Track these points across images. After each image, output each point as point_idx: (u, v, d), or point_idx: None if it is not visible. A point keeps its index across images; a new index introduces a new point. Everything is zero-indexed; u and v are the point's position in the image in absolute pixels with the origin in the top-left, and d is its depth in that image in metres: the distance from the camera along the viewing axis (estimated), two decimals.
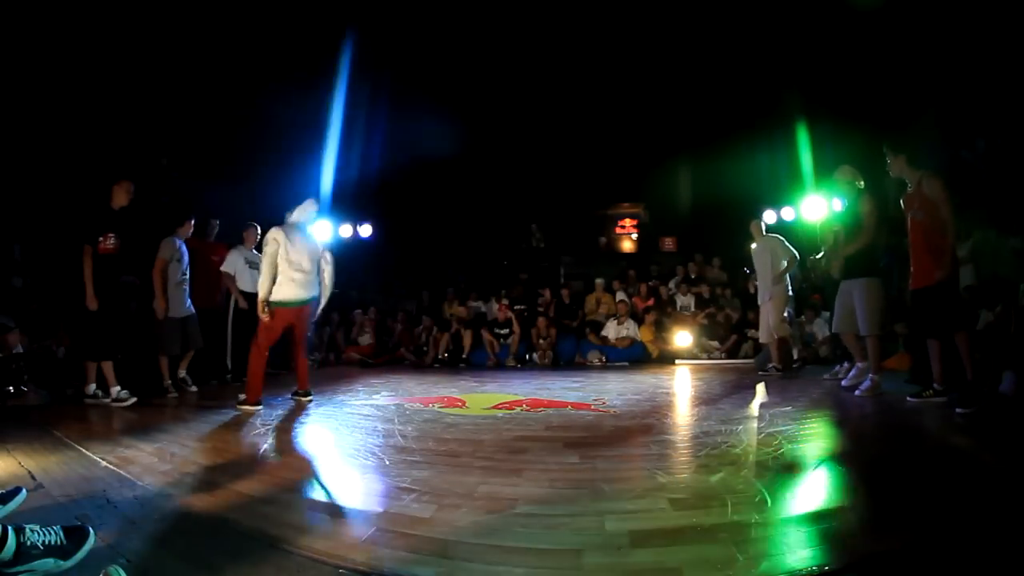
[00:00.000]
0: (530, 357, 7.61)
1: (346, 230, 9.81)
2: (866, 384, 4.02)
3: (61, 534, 1.42)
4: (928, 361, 3.67)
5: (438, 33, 8.56)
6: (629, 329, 7.55)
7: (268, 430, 3.22)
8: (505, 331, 7.74)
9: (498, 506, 1.77)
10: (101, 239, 4.10)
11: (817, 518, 1.63)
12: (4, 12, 5.79)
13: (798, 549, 1.44)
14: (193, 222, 5.24)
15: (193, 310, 5.08)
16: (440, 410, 3.75)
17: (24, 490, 1.82)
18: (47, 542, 1.39)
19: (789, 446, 2.47)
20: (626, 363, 7.23)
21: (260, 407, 3.85)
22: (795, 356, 5.56)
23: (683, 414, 3.64)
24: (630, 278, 8.73)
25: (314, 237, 4.30)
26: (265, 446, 2.86)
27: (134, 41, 6.82)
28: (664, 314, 7.83)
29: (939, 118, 6.41)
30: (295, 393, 4.20)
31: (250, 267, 5.69)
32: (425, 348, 8.00)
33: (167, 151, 7.98)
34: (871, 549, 1.39)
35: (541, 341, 7.60)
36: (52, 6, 6.18)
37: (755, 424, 3.04)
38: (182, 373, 5.05)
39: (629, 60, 8.97)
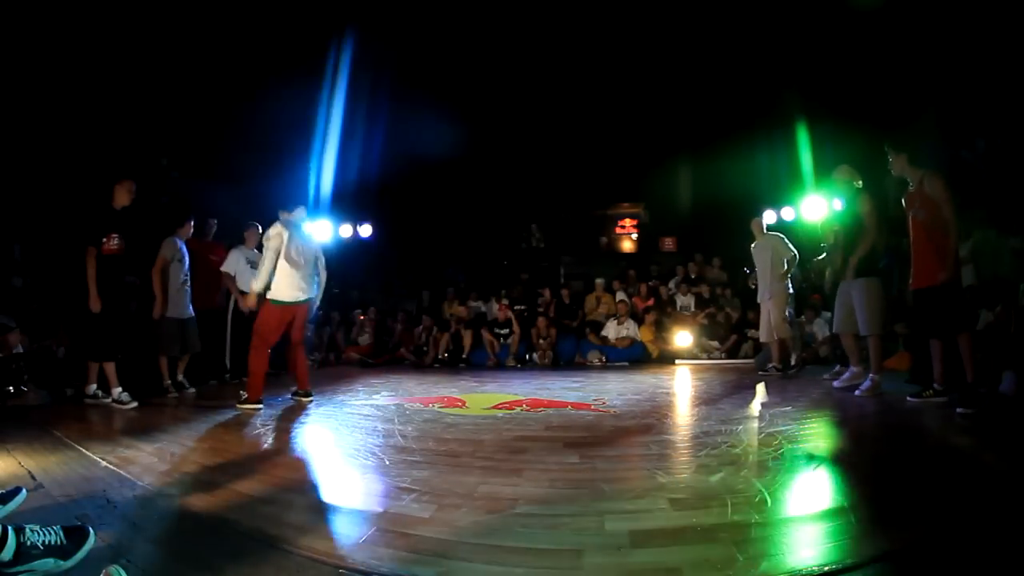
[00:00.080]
0: (530, 357, 7.61)
1: (346, 230, 9.81)
2: (866, 384, 4.02)
3: (61, 534, 1.42)
4: (928, 361, 3.67)
5: (438, 33, 8.57)
6: (629, 329, 7.55)
7: (268, 430, 3.22)
8: (505, 331, 7.74)
9: (498, 506, 1.77)
10: (104, 240, 4.10)
11: (817, 518, 1.64)
12: (4, 12, 5.79)
13: (798, 549, 1.44)
14: (193, 223, 5.24)
15: (193, 313, 5.09)
16: (440, 410, 3.75)
17: (24, 490, 1.82)
18: (47, 542, 1.38)
19: (789, 446, 2.47)
20: (626, 363, 7.23)
21: (261, 406, 3.85)
22: (792, 362, 5.53)
23: (683, 414, 3.64)
24: (630, 278, 8.73)
25: (312, 238, 4.34)
26: (265, 446, 2.86)
27: (134, 41, 6.82)
28: (664, 314, 7.83)
29: (939, 118, 6.41)
30: (295, 393, 4.21)
31: (251, 267, 5.68)
32: (425, 348, 8.00)
33: (167, 151, 7.97)
34: (872, 549, 1.39)
35: (541, 341, 7.60)
36: (52, 6, 6.18)
37: (755, 424, 3.04)
38: (179, 376, 5.05)
39: (629, 60, 8.97)
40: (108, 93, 6.97)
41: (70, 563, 1.39)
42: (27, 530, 1.39)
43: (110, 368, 4.14)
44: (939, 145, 5.97)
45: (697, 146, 9.30)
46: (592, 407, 3.74)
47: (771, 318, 5.55)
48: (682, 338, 7.32)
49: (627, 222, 11.14)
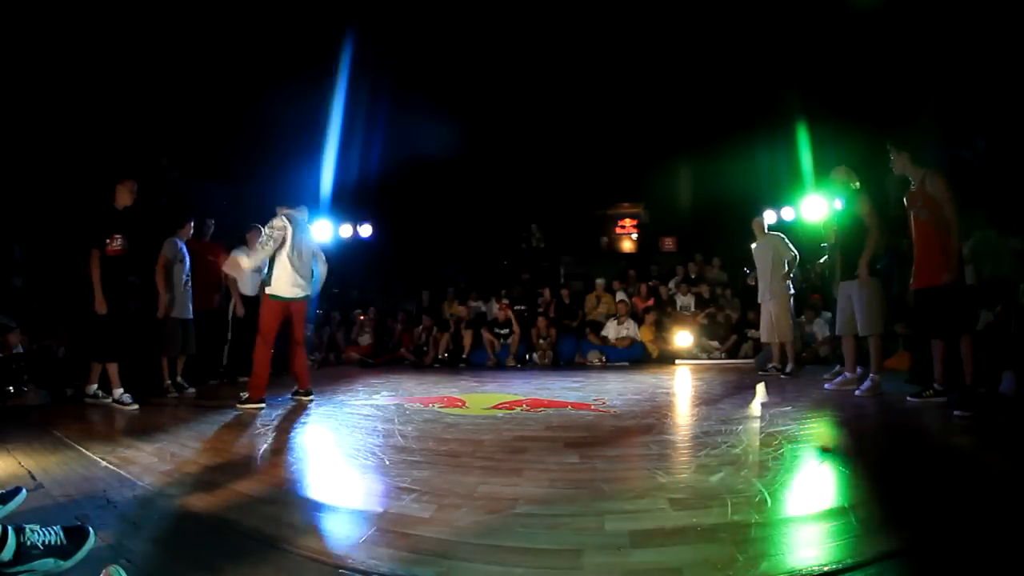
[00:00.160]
0: (530, 357, 7.61)
1: (346, 230, 9.82)
2: (866, 384, 4.02)
3: (61, 534, 1.41)
4: (928, 361, 3.66)
5: (438, 33, 8.56)
6: (629, 329, 7.56)
7: (268, 430, 3.22)
8: (505, 331, 7.74)
9: (498, 506, 1.77)
10: (108, 241, 4.10)
11: (817, 518, 1.64)
12: (4, 12, 5.79)
13: (798, 549, 1.44)
14: (193, 223, 5.25)
15: (191, 315, 5.10)
16: (440, 410, 3.75)
17: (24, 490, 1.82)
18: (47, 542, 1.38)
19: (789, 446, 2.47)
20: (626, 363, 7.23)
21: (263, 406, 3.86)
22: (788, 368, 5.51)
23: (683, 414, 3.64)
24: (630, 278, 8.73)
25: (312, 236, 4.37)
26: (265, 446, 2.86)
27: (134, 41, 6.82)
28: (664, 314, 7.84)
29: (939, 118, 6.41)
30: (296, 393, 4.22)
31: (253, 272, 5.70)
32: (425, 348, 8.00)
33: (167, 151, 7.97)
34: (872, 549, 1.39)
35: (541, 341, 7.60)
36: (52, 7, 6.18)
37: (755, 424, 3.04)
38: (178, 377, 5.06)
39: (629, 60, 8.96)
40: (108, 93, 6.97)
41: (70, 563, 1.39)
42: (27, 530, 1.39)
43: (113, 369, 4.15)
44: (939, 145, 5.97)
45: (697, 146, 9.29)
46: (592, 407, 3.74)
47: (774, 320, 5.54)
48: (682, 338, 7.33)
49: (627, 222, 11.14)
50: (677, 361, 7.12)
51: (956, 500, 1.80)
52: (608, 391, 4.53)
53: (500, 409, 3.76)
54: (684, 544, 1.46)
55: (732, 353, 7.21)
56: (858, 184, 4.34)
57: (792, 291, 5.69)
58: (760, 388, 4.61)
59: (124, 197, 4.20)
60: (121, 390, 4.10)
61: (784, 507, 1.73)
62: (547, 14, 8.40)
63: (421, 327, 8.26)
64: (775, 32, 7.64)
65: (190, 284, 5.08)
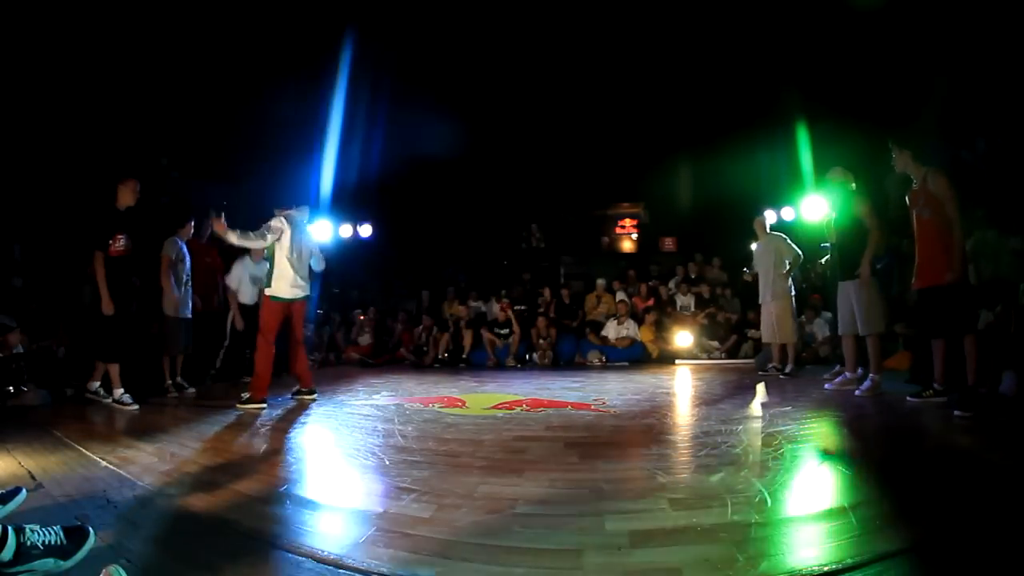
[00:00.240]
0: (530, 357, 7.61)
1: (346, 230, 9.82)
2: (866, 384, 4.02)
3: (61, 534, 1.41)
4: (928, 361, 3.66)
5: (438, 34, 8.56)
6: (629, 329, 7.55)
7: (268, 430, 3.22)
8: (505, 331, 7.74)
9: (498, 506, 1.77)
10: (111, 242, 4.10)
11: (817, 518, 1.64)
12: (4, 12, 5.79)
13: (798, 549, 1.44)
14: (193, 224, 5.27)
15: (191, 315, 5.11)
16: (440, 410, 3.75)
17: (24, 490, 1.82)
18: (47, 542, 1.38)
19: (789, 446, 2.47)
20: (626, 363, 7.23)
21: (264, 406, 3.86)
22: (788, 368, 5.50)
23: (683, 414, 3.64)
24: (630, 278, 8.73)
25: (311, 237, 4.40)
26: (265, 446, 2.86)
27: (134, 42, 6.82)
28: (664, 314, 7.83)
29: (940, 118, 6.41)
30: (299, 391, 4.25)
31: (253, 283, 5.73)
32: (425, 348, 8.00)
33: (167, 151, 7.97)
34: (872, 549, 1.39)
35: (541, 341, 7.60)
36: (52, 7, 6.18)
37: (755, 424, 3.04)
38: (177, 377, 5.07)
39: (628, 60, 8.96)
40: (108, 93, 6.97)
41: (70, 563, 1.39)
42: (27, 530, 1.39)
43: (114, 370, 4.15)
44: (939, 145, 5.96)
45: (697, 146, 9.30)
46: (592, 407, 3.74)
47: (777, 321, 5.53)
48: (682, 338, 7.32)
49: (627, 222, 11.14)
50: (677, 361, 7.12)
51: (956, 500, 1.80)
52: (608, 391, 4.53)
53: (500, 409, 3.76)
54: (684, 544, 1.46)
55: (732, 353, 7.21)
56: (855, 185, 4.34)
57: (793, 291, 5.69)
58: (760, 388, 4.61)
59: (127, 197, 4.20)
60: (121, 390, 4.10)
61: (784, 507, 1.73)
62: (547, 14, 8.40)
63: (421, 327, 8.26)
64: (775, 32, 7.64)
65: (190, 284, 5.10)
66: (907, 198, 3.74)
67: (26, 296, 6.23)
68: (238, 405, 3.87)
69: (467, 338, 7.78)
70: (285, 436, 3.10)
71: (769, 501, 1.74)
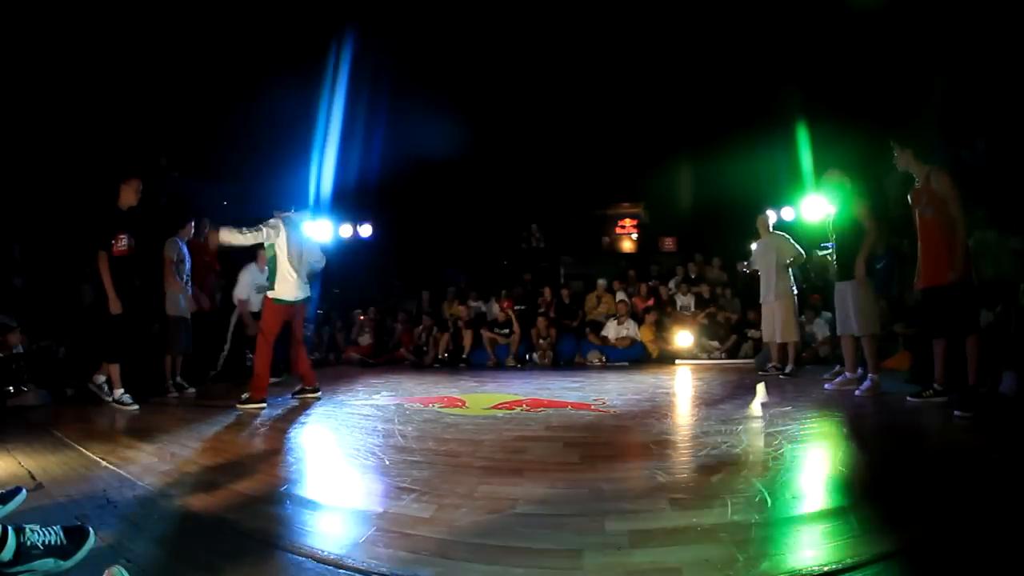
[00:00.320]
0: (530, 357, 7.60)
1: (346, 230, 9.80)
2: (866, 384, 4.02)
3: (61, 534, 1.41)
4: (928, 361, 3.66)
5: (438, 33, 8.57)
6: (629, 329, 7.55)
7: (268, 430, 3.22)
8: (505, 331, 7.74)
9: (498, 506, 1.77)
10: (114, 242, 4.10)
11: (817, 518, 1.64)
12: (4, 12, 5.79)
13: (798, 549, 1.44)
14: (194, 224, 5.27)
15: (190, 315, 5.12)
16: (440, 410, 3.75)
17: (24, 490, 1.82)
18: (47, 542, 1.38)
19: (789, 446, 2.47)
20: (626, 363, 7.22)
21: (264, 406, 3.87)
22: (788, 368, 5.49)
23: (683, 414, 3.64)
24: (630, 278, 8.73)
25: (311, 239, 4.41)
26: (265, 446, 2.86)
27: (134, 42, 6.82)
28: (664, 314, 7.83)
29: (940, 118, 6.41)
30: (301, 391, 4.27)
31: (259, 291, 5.72)
32: (425, 348, 8.00)
33: (167, 151, 7.98)
34: (872, 549, 1.39)
35: (541, 341, 7.60)
36: (52, 7, 6.18)
37: (755, 424, 3.04)
38: (177, 377, 5.07)
39: (629, 59, 8.97)
40: (108, 93, 6.98)
41: (70, 563, 1.39)
42: (27, 530, 1.39)
43: (115, 370, 4.15)
44: (940, 145, 5.96)
45: (697, 146, 9.30)
46: (592, 407, 3.74)
47: (780, 321, 5.53)
48: (682, 338, 7.32)
49: (627, 222, 11.14)
50: (677, 361, 7.11)
51: (956, 500, 1.80)
52: (608, 391, 4.53)
53: (500, 409, 3.76)
54: (684, 544, 1.46)
55: (732, 353, 7.21)
56: (852, 186, 4.34)
57: (795, 291, 5.69)
58: (760, 388, 4.61)
59: (129, 197, 4.19)
60: (121, 390, 4.10)
61: (784, 507, 1.72)
62: (547, 14, 8.40)
63: (421, 327, 8.25)
64: (775, 31, 7.64)
65: (189, 284, 5.11)
66: (909, 197, 3.72)
67: (26, 296, 6.24)
68: (238, 405, 3.87)
69: (467, 338, 7.78)
70: (285, 436, 3.10)
71: (769, 501, 1.74)
